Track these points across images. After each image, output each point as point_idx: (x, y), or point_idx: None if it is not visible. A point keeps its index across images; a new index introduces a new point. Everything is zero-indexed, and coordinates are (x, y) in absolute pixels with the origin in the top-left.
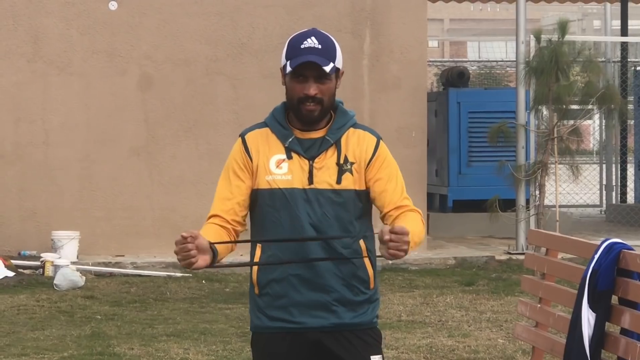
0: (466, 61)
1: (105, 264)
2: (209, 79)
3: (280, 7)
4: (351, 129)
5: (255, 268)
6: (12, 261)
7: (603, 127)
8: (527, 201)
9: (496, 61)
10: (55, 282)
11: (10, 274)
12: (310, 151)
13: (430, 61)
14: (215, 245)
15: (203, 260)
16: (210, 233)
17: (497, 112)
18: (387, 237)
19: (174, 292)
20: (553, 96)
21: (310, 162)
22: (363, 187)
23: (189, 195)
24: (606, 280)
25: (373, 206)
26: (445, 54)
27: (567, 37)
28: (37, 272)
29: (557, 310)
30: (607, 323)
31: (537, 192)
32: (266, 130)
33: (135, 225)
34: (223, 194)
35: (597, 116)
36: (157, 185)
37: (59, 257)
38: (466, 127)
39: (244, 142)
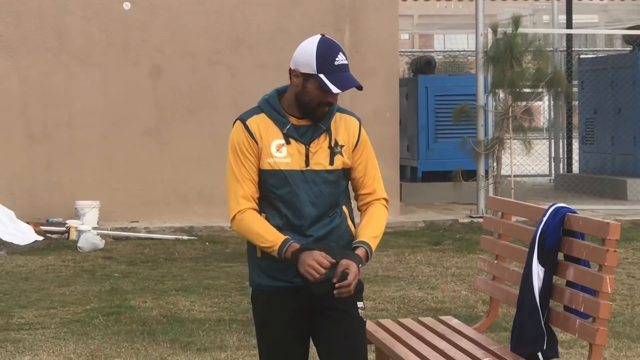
0: (433, 51)
1: (122, 229)
2: (210, 69)
3: (271, 5)
4: (337, 114)
5: None
6: (42, 227)
7: (551, 107)
8: (486, 172)
9: (459, 51)
10: (78, 244)
11: (40, 238)
12: (305, 136)
13: (401, 52)
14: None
15: None
16: (266, 225)
17: (460, 95)
18: (335, 292)
19: (182, 253)
20: (508, 81)
21: (307, 146)
22: (348, 166)
23: (194, 170)
24: (553, 239)
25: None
26: (415, 45)
27: (520, 30)
28: (63, 236)
29: (511, 265)
30: (554, 276)
31: (495, 164)
32: (263, 116)
33: (147, 195)
34: (244, 175)
35: (546, 98)
36: (166, 161)
37: (82, 224)
38: (433, 108)
39: (247, 127)
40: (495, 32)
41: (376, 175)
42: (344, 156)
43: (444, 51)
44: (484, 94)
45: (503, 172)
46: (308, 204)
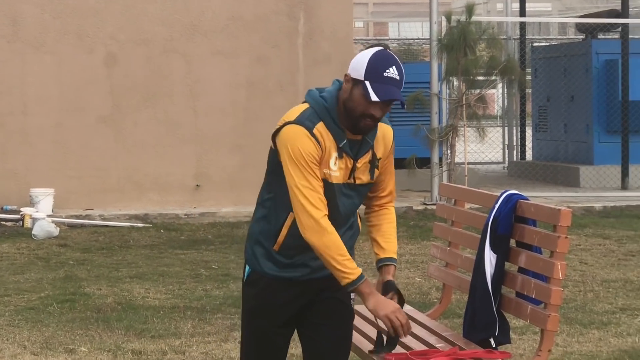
0: (387, 39)
1: (77, 217)
2: (165, 57)
3: None
4: (379, 124)
5: (283, 232)
6: None
7: (505, 95)
8: (440, 159)
9: (413, 39)
10: (33, 232)
11: None
12: (353, 151)
13: (356, 39)
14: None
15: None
16: (344, 248)
17: (414, 82)
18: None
19: (137, 240)
20: (462, 69)
21: (355, 162)
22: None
23: (149, 157)
24: (505, 226)
25: None
26: (370, 33)
27: (474, 18)
28: (17, 224)
29: (464, 252)
30: (506, 263)
31: (449, 151)
32: (322, 125)
33: (102, 182)
34: (318, 189)
35: (500, 86)
36: (121, 148)
37: (37, 211)
38: None
39: (315, 138)
40: (449, 20)
41: (394, 177)
42: (379, 169)
43: (398, 39)
44: (437, 82)
45: (457, 160)
46: (343, 214)
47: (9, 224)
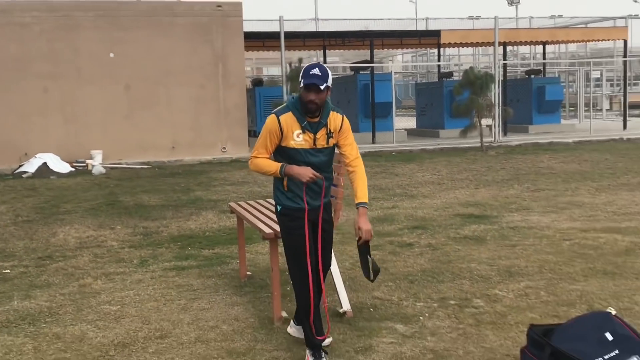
0: (263, 75)
1: (114, 164)
2: (155, 86)
3: (184, 54)
4: (332, 112)
5: (285, 178)
6: (73, 164)
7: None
8: None
9: (275, 75)
10: (92, 172)
11: (73, 169)
12: (312, 128)
13: (247, 75)
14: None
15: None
16: (269, 161)
17: (276, 96)
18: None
19: (143, 174)
20: (298, 87)
21: (314, 134)
22: (335, 143)
23: (149, 133)
24: None
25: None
26: (254, 72)
27: (302, 64)
28: (84, 168)
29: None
30: None
31: None
32: (290, 114)
33: (125, 146)
34: (263, 144)
35: None
36: (134, 129)
37: (94, 161)
38: (262, 103)
39: (279, 121)
40: (291, 65)
41: (354, 146)
42: (334, 138)
43: (268, 75)
44: (287, 95)
45: None
46: (316, 165)
47: (80, 168)
